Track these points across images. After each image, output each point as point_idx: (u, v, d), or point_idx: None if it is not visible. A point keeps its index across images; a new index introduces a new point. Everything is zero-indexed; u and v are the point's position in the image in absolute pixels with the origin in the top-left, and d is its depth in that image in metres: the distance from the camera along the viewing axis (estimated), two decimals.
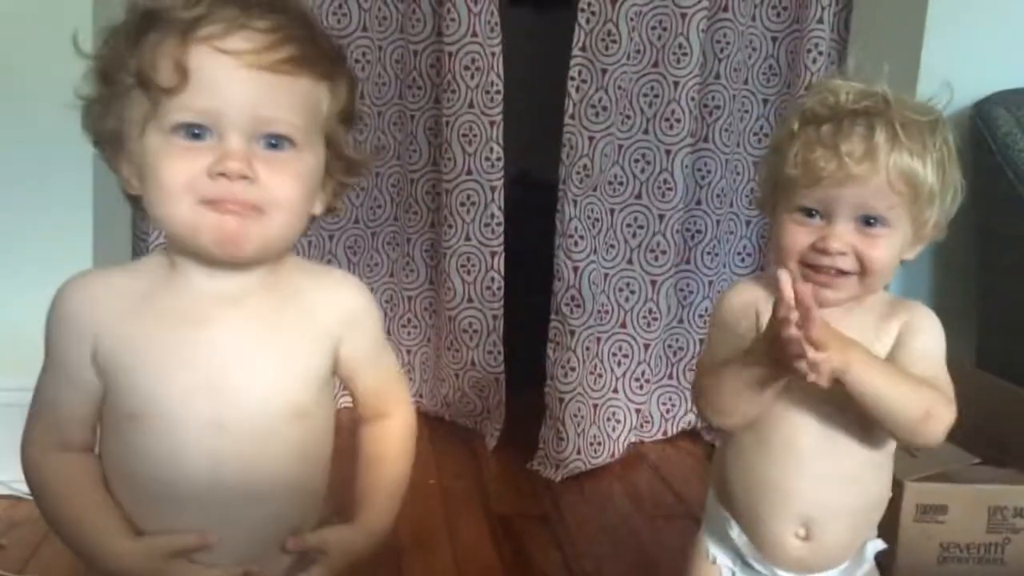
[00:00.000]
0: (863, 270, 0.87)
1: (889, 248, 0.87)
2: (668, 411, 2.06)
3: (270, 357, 0.78)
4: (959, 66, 1.67)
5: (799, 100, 0.93)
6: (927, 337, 0.89)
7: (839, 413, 0.87)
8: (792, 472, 0.89)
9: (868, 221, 0.86)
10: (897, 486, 1.28)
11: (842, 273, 0.86)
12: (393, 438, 0.92)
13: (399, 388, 0.92)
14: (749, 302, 0.92)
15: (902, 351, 0.88)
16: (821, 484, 0.88)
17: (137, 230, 1.79)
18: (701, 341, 2.06)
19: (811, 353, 0.78)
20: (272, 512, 0.80)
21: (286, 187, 0.73)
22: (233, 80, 0.70)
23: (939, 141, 0.86)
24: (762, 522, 0.90)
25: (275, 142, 0.73)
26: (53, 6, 1.38)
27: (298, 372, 0.79)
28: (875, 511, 0.93)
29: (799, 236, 0.87)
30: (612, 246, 1.91)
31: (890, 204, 0.85)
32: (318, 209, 0.80)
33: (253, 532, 0.79)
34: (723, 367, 0.88)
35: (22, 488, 1.49)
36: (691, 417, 2.06)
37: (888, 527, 1.29)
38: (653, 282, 1.95)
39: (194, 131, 0.71)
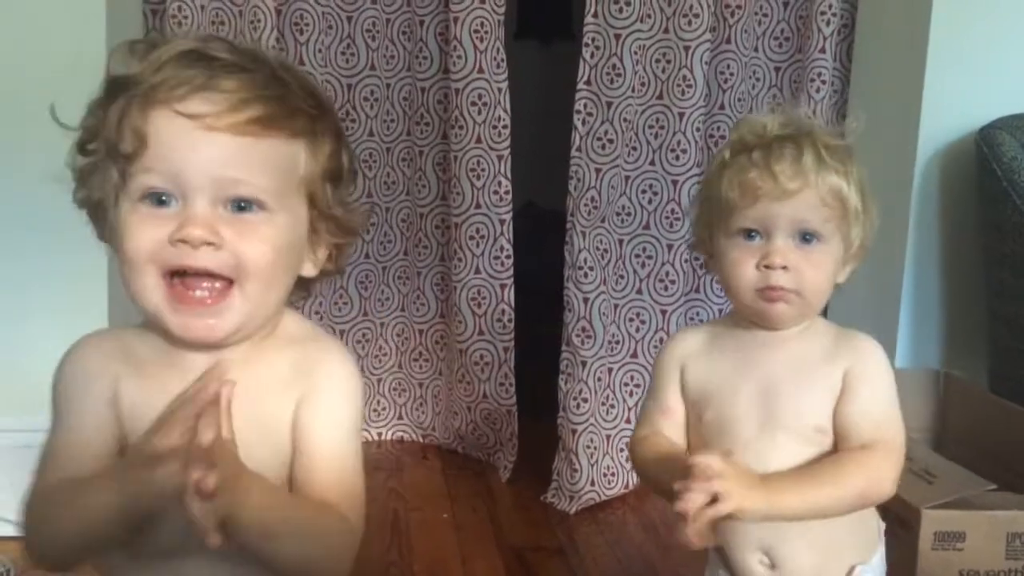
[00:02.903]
0: (801, 288, 0.90)
1: (825, 265, 0.91)
2: None
3: (252, 433, 0.73)
4: (962, 93, 1.68)
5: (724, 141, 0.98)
6: (873, 385, 0.91)
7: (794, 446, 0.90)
8: None
9: (805, 237, 0.90)
10: (914, 514, 1.28)
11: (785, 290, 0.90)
12: (333, 514, 0.75)
13: (346, 491, 0.76)
14: (680, 355, 0.98)
15: (849, 405, 0.90)
16: None
17: None
18: None
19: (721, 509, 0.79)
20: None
21: (255, 251, 0.70)
22: (193, 143, 0.68)
23: (856, 166, 0.91)
24: (732, 553, 0.93)
25: (243, 205, 0.70)
26: (68, 59, 1.42)
27: (280, 447, 0.76)
28: (848, 534, 0.94)
29: (745, 262, 0.90)
30: (621, 277, 1.92)
31: (824, 218, 0.89)
32: (309, 271, 0.78)
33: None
34: (649, 453, 0.95)
35: None
36: None
37: (907, 556, 1.29)
38: (663, 312, 1.95)
39: (160, 197, 0.69)
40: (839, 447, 0.91)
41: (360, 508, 0.77)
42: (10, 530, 1.51)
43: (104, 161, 0.71)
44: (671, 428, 0.98)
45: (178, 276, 0.70)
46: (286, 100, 0.72)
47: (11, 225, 1.53)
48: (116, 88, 0.71)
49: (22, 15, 1.51)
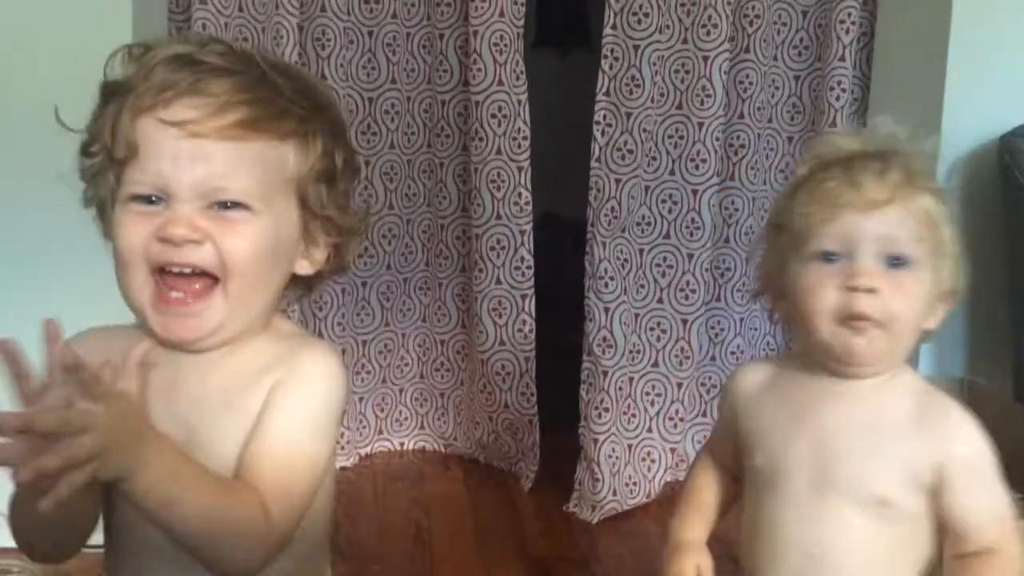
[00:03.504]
0: (889, 319, 0.78)
1: (917, 295, 0.79)
2: None
3: (227, 419, 0.73)
4: (983, 100, 1.68)
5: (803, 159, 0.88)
6: (983, 474, 0.79)
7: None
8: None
9: (894, 261, 0.78)
10: None
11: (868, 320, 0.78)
12: (249, 501, 0.70)
13: (282, 482, 0.71)
14: (736, 393, 0.91)
15: (961, 497, 0.79)
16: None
17: None
18: None
19: None
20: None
21: (236, 247, 0.71)
22: (176, 151, 0.69)
23: (945, 196, 0.81)
24: None
25: (228, 204, 0.71)
26: (95, 77, 1.44)
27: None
28: None
29: (823, 285, 0.79)
30: (642, 286, 1.93)
31: (916, 237, 0.78)
32: (305, 270, 0.78)
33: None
34: (684, 486, 0.96)
35: None
36: None
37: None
38: (684, 321, 1.96)
39: (149, 198, 0.71)
40: (951, 549, 0.80)
41: (290, 508, 0.71)
42: None
43: (103, 164, 0.73)
44: (710, 468, 0.96)
45: (166, 274, 0.71)
46: (273, 102, 0.72)
47: (39, 229, 1.55)
48: (109, 93, 0.73)
49: (49, 34, 1.54)
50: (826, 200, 0.79)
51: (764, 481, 0.86)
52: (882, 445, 0.81)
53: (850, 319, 0.78)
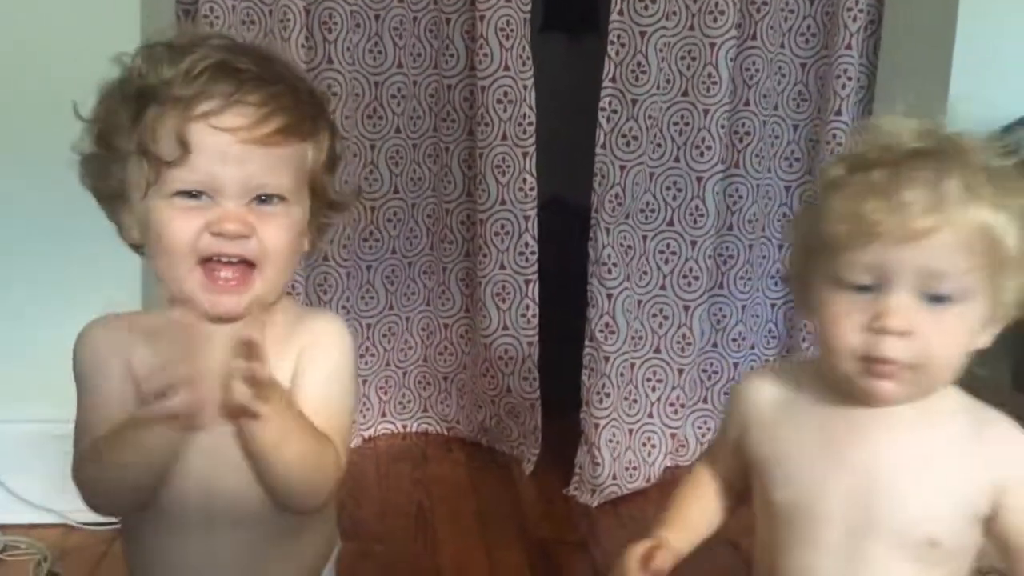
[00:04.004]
0: (922, 362, 0.68)
1: (959, 334, 0.69)
2: (703, 435, 2.06)
3: None
4: (988, 89, 1.67)
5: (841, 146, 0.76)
6: None
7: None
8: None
9: (936, 298, 0.67)
10: None
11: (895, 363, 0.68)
12: (329, 443, 0.82)
13: (334, 431, 0.83)
14: (745, 411, 0.82)
15: (1009, 531, 0.70)
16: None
17: None
18: (735, 365, 2.07)
19: None
20: (266, 529, 0.83)
21: (277, 239, 0.81)
22: (227, 155, 0.78)
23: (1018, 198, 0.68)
24: None
25: (265, 198, 0.80)
26: (103, 60, 1.46)
27: None
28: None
29: (850, 318, 0.69)
30: (645, 273, 1.93)
31: (964, 270, 0.67)
32: (305, 247, 0.87)
33: (249, 545, 0.84)
34: (677, 491, 0.89)
35: (75, 516, 1.55)
36: None
37: None
38: (686, 308, 1.97)
39: (193, 193, 0.79)
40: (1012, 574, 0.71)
41: (345, 452, 0.84)
42: (47, 518, 1.56)
43: (129, 157, 0.80)
44: (706, 484, 0.88)
45: (209, 261, 0.80)
46: (298, 109, 0.82)
47: (52, 223, 1.56)
48: (147, 94, 0.79)
49: (56, 17, 1.54)
50: (861, 223, 0.67)
51: (790, 522, 0.76)
52: (935, 475, 0.72)
53: (875, 363, 0.69)
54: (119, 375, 0.82)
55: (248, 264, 0.80)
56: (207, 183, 0.78)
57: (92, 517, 1.52)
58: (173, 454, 0.79)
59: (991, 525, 0.73)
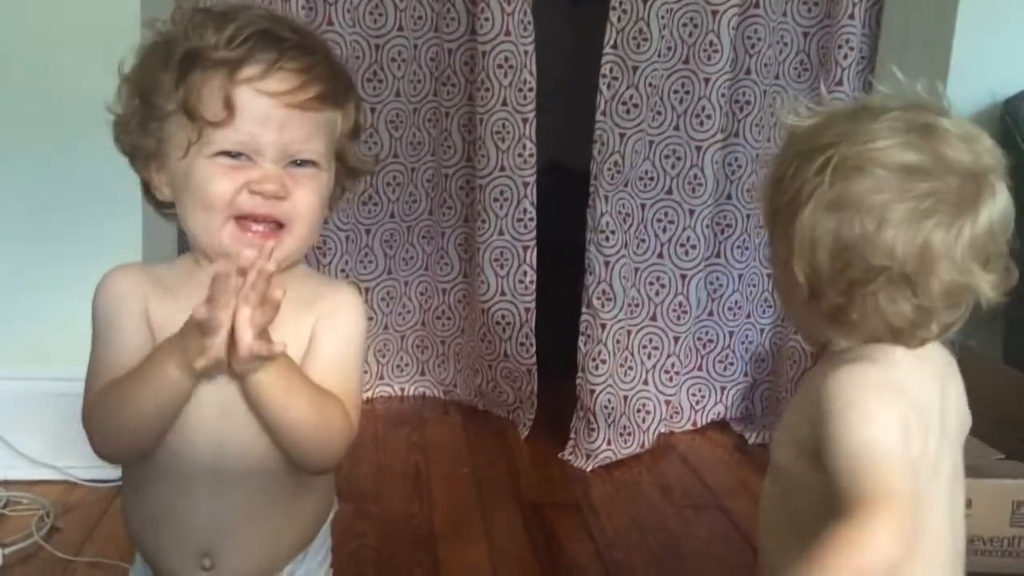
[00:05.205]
0: None
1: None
2: (697, 403, 2.09)
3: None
4: (989, 63, 1.67)
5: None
6: None
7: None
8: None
9: None
10: None
11: None
12: (339, 404, 0.85)
13: (345, 394, 0.85)
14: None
15: None
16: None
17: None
18: (731, 333, 2.09)
19: None
20: (269, 487, 0.85)
21: (308, 201, 0.84)
22: (270, 118, 0.81)
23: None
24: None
25: (300, 162, 0.83)
26: (102, 31, 1.45)
27: (296, 358, 0.85)
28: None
29: None
30: (643, 241, 1.94)
31: None
32: (327, 212, 0.90)
33: (252, 503, 0.85)
34: None
35: (76, 473, 1.57)
36: (720, 408, 2.09)
37: None
38: (683, 276, 1.98)
39: (233, 153, 0.81)
40: None
41: (357, 414, 0.86)
42: (49, 474, 1.58)
43: (170, 116, 0.82)
44: None
45: (242, 216, 0.82)
46: (334, 78, 0.85)
47: (57, 189, 1.57)
48: (191, 56, 0.81)
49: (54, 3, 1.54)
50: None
51: None
52: None
53: None
54: (136, 320, 0.84)
55: (278, 224, 0.83)
56: (248, 144, 0.81)
57: (94, 474, 1.55)
58: (184, 398, 0.81)
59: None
